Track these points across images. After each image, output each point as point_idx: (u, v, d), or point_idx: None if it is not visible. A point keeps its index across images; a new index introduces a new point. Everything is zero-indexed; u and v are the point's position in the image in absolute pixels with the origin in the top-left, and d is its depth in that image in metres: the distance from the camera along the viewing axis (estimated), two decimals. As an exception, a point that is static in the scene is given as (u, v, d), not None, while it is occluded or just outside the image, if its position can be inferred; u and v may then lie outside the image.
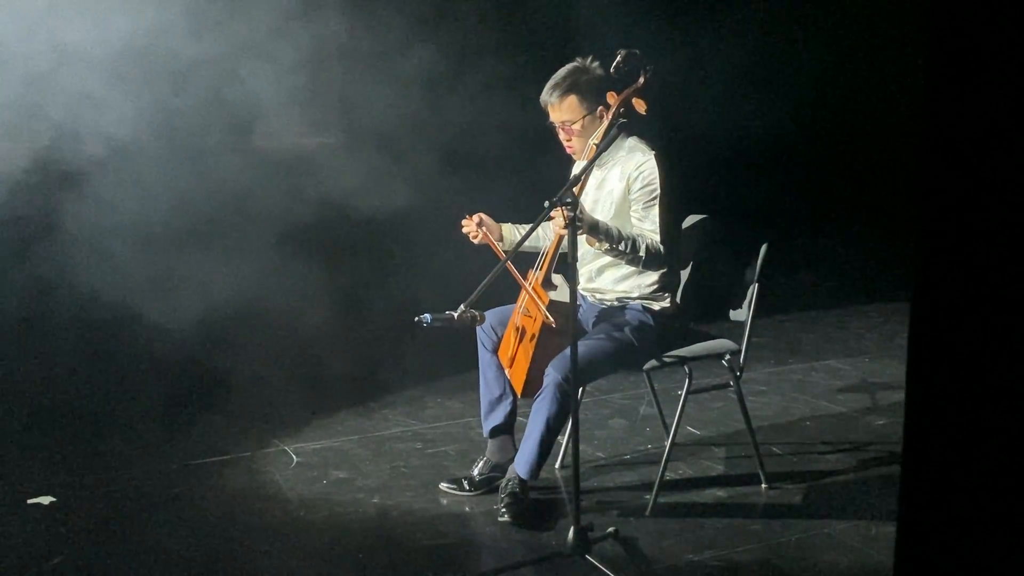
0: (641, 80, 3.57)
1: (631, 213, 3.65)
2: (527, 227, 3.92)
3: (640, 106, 3.53)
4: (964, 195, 1.56)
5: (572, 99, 3.67)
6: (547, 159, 4.28)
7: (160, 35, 4.51)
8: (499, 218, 3.90)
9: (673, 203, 3.65)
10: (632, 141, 3.71)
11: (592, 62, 3.71)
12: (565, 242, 3.35)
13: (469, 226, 3.83)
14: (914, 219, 1.61)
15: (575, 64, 3.73)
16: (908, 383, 1.66)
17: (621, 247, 3.52)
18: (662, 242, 3.58)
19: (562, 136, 3.76)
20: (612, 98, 3.58)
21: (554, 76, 3.72)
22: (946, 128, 1.58)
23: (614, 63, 3.57)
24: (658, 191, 3.61)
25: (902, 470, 1.71)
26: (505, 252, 3.67)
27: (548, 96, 3.71)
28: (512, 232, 3.91)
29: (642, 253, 3.54)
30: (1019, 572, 1.54)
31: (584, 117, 3.67)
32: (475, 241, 3.84)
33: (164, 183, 4.99)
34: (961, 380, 1.59)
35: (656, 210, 3.61)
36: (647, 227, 3.61)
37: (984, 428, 1.57)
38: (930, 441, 1.63)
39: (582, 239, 3.70)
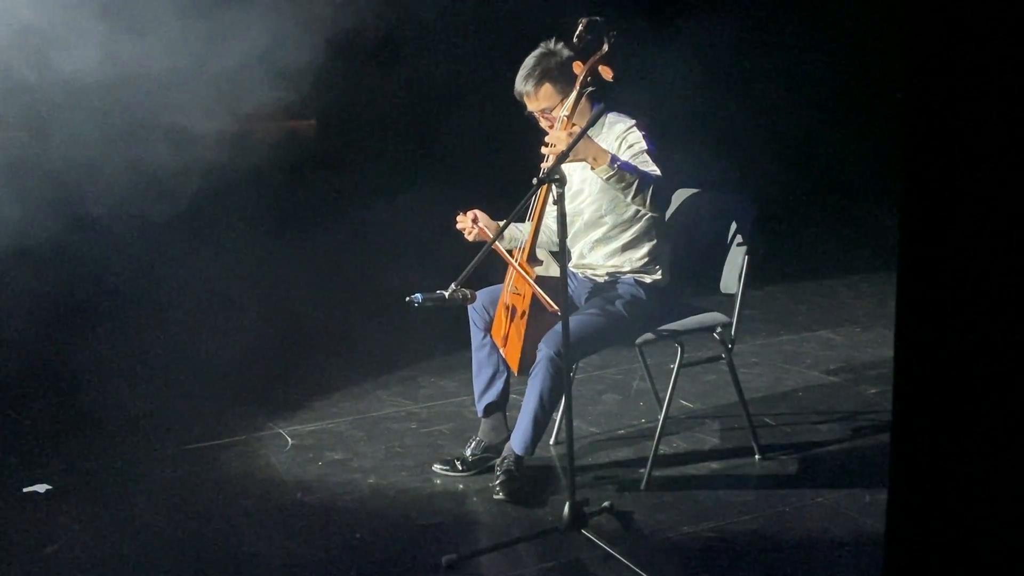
0: (606, 47, 3.47)
1: None
2: (526, 224, 3.79)
3: (607, 73, 3.45)
4: (947, 169, 1.56)
5: (547, 87, 3.62)
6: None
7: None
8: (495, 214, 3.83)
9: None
10: (612, 116, 3.68)
11: (557, 43, 3.65)
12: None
13: (464, 223, 3.78)
14: (901, 189, 1.62)
15: (542, 49, 3.66)
16: (896, 352, 1.67)
17: (628, 170, 3.40)
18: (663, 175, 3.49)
19: (543, 124, 3.70)
20: (578, 67, 3.51)
21: (523, 66, 3.65)
22: (928, 109, 1.58)
23: (576, 32, 3.48)
24: (645, 147, 3.56)
25: (892, 438, 1.72)
26: (499, 240, 3.64)
27: (522, 87, 3.65)
28: (511, 231, 3.81)
29: (648, 171, 3.43)
30: (1009, 538, 1.55)
31: (562, 101, 3.61)
32: (469, 238, 3.78)
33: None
34: (949, 348, 1.59)
35: (646, 156, 3.53)
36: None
37: (972, 396, 1.57)
38: (920, 408, 1.64)
39: (571, 194, 3.66)
